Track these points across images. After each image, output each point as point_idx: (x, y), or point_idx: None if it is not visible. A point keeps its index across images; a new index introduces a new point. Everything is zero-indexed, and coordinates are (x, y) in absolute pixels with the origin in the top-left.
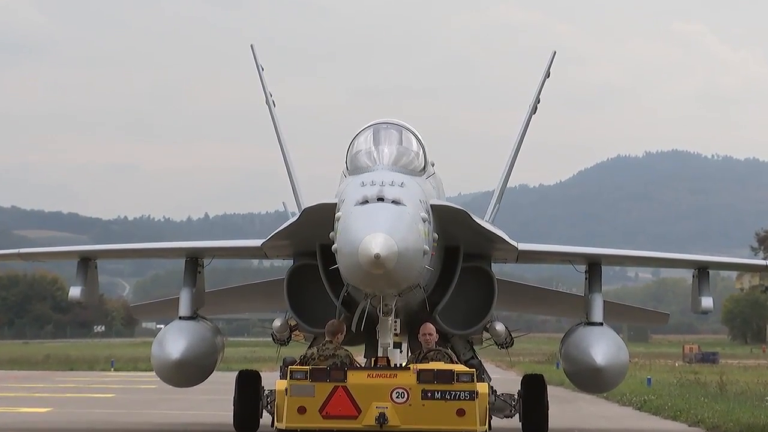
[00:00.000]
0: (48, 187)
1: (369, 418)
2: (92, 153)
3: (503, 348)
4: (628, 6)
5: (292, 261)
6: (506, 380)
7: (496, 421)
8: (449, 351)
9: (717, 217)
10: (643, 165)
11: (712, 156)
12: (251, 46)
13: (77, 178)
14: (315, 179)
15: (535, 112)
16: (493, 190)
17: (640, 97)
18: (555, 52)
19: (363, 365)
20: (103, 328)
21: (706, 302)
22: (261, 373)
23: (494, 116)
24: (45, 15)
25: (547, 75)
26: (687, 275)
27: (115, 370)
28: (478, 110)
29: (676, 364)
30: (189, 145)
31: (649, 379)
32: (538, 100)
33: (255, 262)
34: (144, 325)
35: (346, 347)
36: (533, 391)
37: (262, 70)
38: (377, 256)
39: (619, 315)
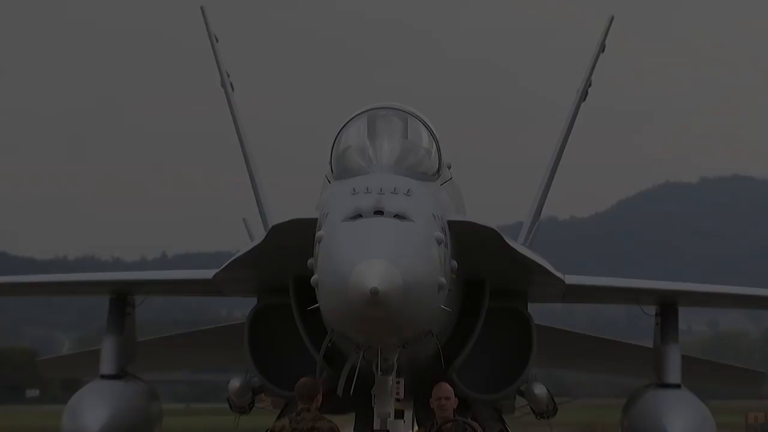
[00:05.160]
0: None
1: None
2: (21, 178)
3: (543, 418)
4: None
5: (255, 299)
6: None
7: None
8: (472, 422)
9: None
10: (699, 193)
11: None
12: (201, 8)
13: (4, 209)
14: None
15: (585, 99)
16: (521, 222)
17: (694, 111)
18: (613, 17)
19: None
20: (37, 392)
21: None
22: None
23: (516, 136)
24: None
25: (602, 48)
26: (751, 328)
27: None
28: (497, 129)
29: None
30: (141, 168)
31: None
32: (589, 83)
33: (224, 310)
34: None
35: (328, 417)
36: None
37: (216, 41)
38: (374, 292)
39: (699, 374)
